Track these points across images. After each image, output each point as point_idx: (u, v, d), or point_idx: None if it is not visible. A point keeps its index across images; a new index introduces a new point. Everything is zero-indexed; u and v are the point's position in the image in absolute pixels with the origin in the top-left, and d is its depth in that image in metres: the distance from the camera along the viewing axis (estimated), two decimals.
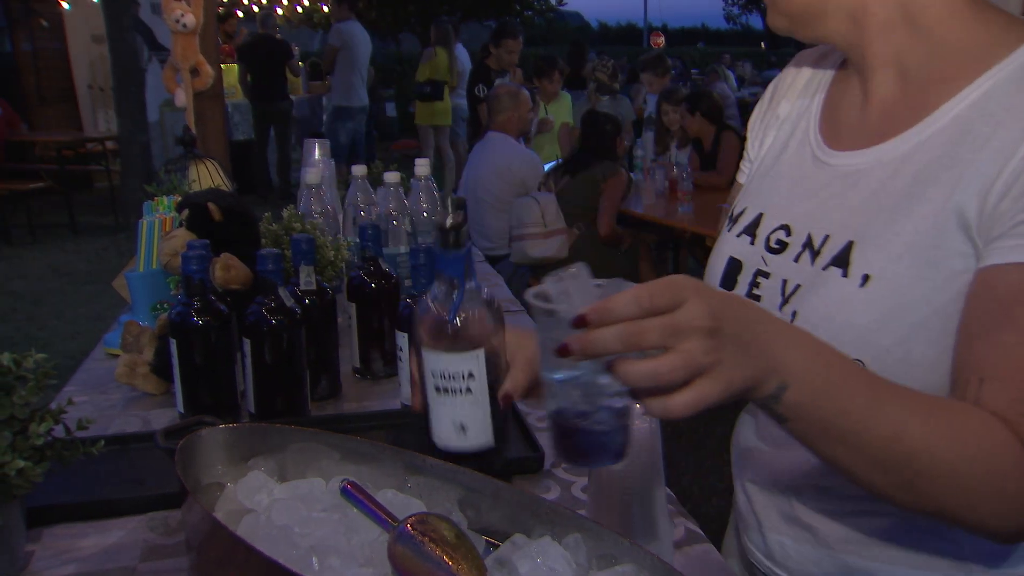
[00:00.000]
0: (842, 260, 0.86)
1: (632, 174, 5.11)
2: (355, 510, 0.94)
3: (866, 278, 0.83)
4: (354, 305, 1.65)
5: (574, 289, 0.72)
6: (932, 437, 0.73)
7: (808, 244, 0.91)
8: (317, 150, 2.25)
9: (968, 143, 0.80)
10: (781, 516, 1.02)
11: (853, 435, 0.72)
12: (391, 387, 1.60)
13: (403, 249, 1.88)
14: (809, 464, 0.94)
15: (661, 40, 18.00)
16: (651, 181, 4.93)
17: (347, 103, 8.56)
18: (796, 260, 0.91)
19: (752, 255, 0.97)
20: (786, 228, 0.94)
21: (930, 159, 0.82)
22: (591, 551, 0.87)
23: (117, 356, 1.68)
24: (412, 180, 2.05)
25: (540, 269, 4.35)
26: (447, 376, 0.97)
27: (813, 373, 0.70)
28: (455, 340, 0.95)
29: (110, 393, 1.63)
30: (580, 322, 0.66)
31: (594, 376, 0.71)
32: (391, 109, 14.28)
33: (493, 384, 0.97)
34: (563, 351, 0.67)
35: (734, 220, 1.02)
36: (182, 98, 2.81)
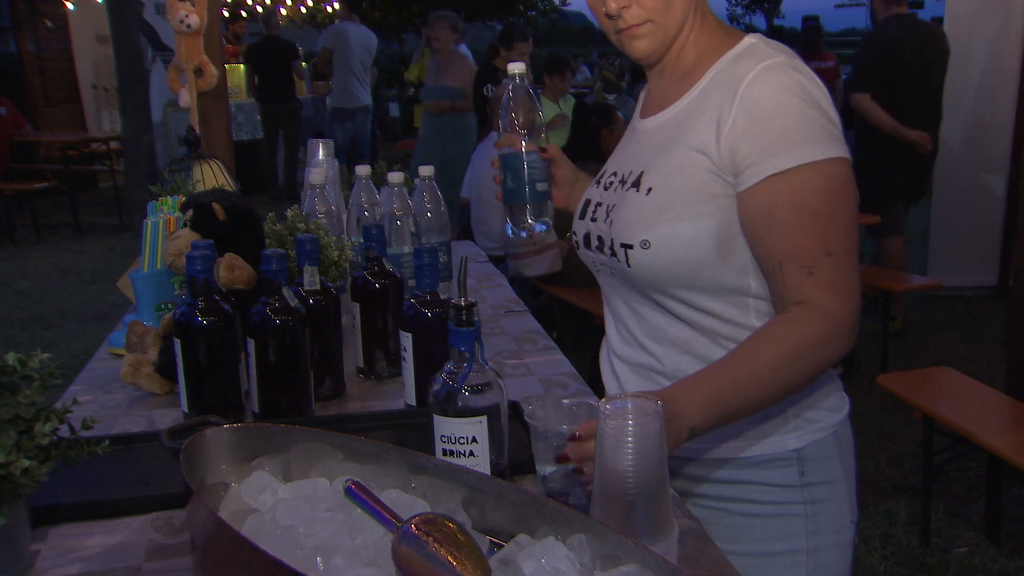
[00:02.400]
0: (636, 183, 1.28)
1: None
2: (359, 510, 0.94)
3: (650, 189, 1.25)
4: (358, 305, 1.65)
5: (551, 410, 1.13)
6: (773, 354, 1.14)
7: (622, 179, 1.33)
8: (321, 150, 2.25)
9: (704, 103, 1.23)
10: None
11: (743, 411, 1.16)
12: (395, 387, 1.60)
13: (407, 249, 1.88)
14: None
15: None
16: None
17: (344, 104, 8.54)
18: (615, 191, 1.33)
19: (595, 194, 1.39)
20: (614, 173, 1.37)
21: (686, 116, 1.26)
22: (595, 551, 0.87)
23: (122, 356, 1.69)
24: (416, 180, 2.05)
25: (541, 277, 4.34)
26: (453, 440, 1.08)
27: (707, 412, 1.11)
28: (461, 407, 1.08)
29: (115, 393, 1.63)
30: (562, 456, 1.05)
31: (569, 470, 1.07)
32: (395, 109, 14.26)
33: (496, 448, 1.11)
34: (562, 459, 1.04)
35: (595, 180, 1.43)
36: (186, 98, 2.80)
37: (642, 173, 1.27)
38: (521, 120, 1.38)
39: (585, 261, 1.41)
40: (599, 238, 1.33)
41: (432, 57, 6.73)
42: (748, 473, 1.30)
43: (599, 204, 1.35)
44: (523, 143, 1.37)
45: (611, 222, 1.29)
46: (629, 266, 1.25)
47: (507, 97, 1.39)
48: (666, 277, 1.24)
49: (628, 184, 1.29)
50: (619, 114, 4.70)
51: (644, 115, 1.39)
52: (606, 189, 1.36)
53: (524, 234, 1.40)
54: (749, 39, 1.27)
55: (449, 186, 5.13)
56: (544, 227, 1.40)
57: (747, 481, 1.30)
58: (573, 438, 1.04)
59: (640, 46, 1.28)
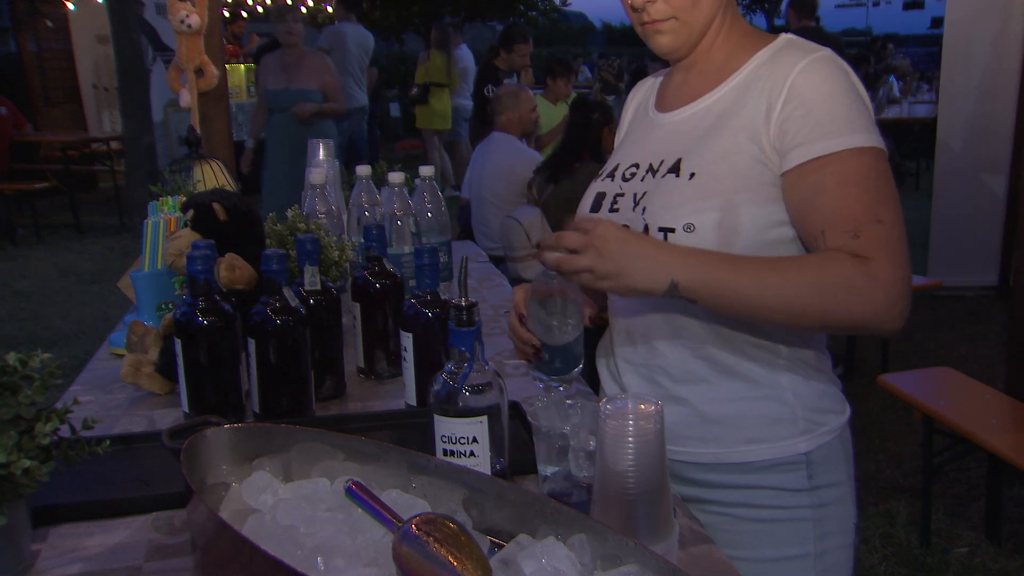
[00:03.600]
0: (674, 169, 1.27)
1: None
2: (359, 510, 0.94)
3: (692, 175, 1.24)
4: (358, 305, 1.65)
5: (553, 409, 1.12)
6: (788, 271, 1.13)
7: (650, 168, 1.31)
8: (322, 150, 2.25)
9: (746, 94, 1.25)
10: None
11: (738, 293, 1.12)
12: (395, 387, 1.60)
13: (407, 249, 1.88)
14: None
15: None
16: None
17: (345, 105, 8.54)
18: (642, 180, 1.31)
19: (611, 187, 1.36)
20: (635, 165, 1.35)
21: (725, 105, 1.27)
22: (596, 551, 0.87)
23: (122, 356, 1.69)
24: (416, 180, 2.05)
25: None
26: (453, 440, 1.08)
27: (693, 265, 1.12)
28: (462, 407, 1.08)
29: (115, 393, 1.63)
30: (538, 248, 1.16)
31: (573, 469, 1.08)
32: (395, 109, 14.26)
33: (496, 448, 1.11)
34: (539, 256, 1.17)
35: (599, 176, 1.41)
36: (186, 98, 2.81)
37: (679, 160, 1.26)
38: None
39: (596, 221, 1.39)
40: (623, 227, 1.28)
41: (288, 54, 5.53)
42: (757, 478, 1.29)
43: (620, 195, 1.33)
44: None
45: (644, 209, 1.27)
46: None
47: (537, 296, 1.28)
48: None
49: (663, 171, 1.28)
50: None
51: (665, 108, 1.38)
52: (627, 180, 1.34)
53: (560, 388, 1.28)
54: (785, 36, 1.30)
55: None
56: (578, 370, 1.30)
57: (756, 486, 1.29)
58: (539, 248, 1.14)
59: (663, 41, 1.30)
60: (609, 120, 4.50)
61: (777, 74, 1.22)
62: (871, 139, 1.17)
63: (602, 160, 4.59)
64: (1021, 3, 5.31)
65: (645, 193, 1.29)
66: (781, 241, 1.23)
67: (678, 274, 1.11)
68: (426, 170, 2.04)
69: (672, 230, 1.22)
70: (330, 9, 12.62)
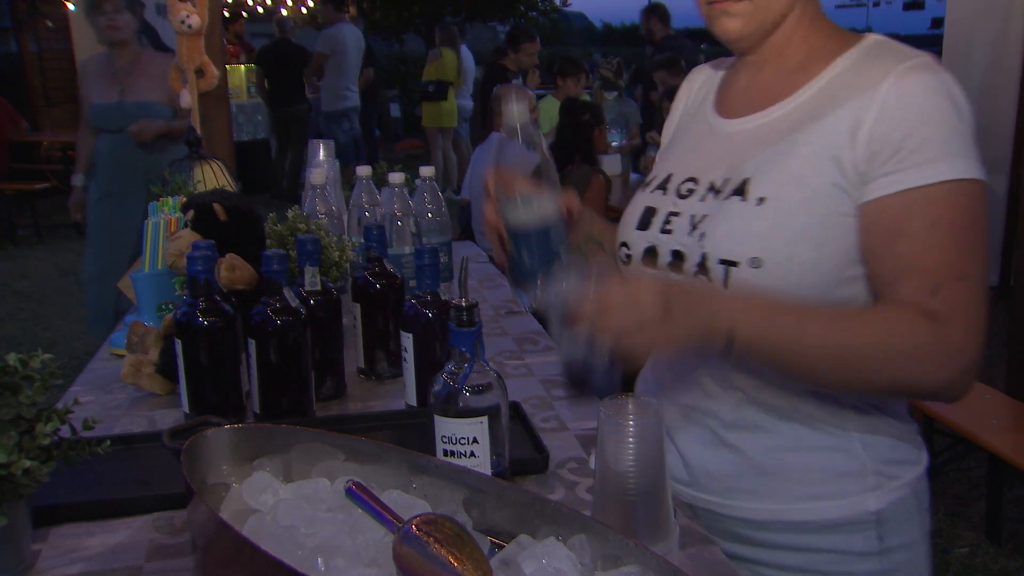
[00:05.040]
0: (740, 191, 1.10)
1: (639, 175, 5.06)
2: (360, 510, 0.94)
3: (761, 200, 1.08)
4: (359, 306, 1.65)
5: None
6: (855, 330, 0.99)
7: (711, 187, 1.15)
8: (322, 151, 2.25)
9: (828, 104, 1.09)
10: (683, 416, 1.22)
11: (799, 349, 0.99)
12: (396, 387, 1.60)
13: (408, 250, 1.88)
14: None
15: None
16: None
17: (340, 106, 8.55)
18: (702, 200, 1.15)
19: (664, 202, 1.20)
20: (692, 179, 1.18)
21: (802, 117, 1.10)
22: (596, 552, 0.87)
23: (123, 356, 1.69)
24: (416, 180, 2.05)
25: None
26: (454, 440, 1.08)
27: (752, 317, 0.96)
28: (462, 407, 1.07)
29: (116, 393, 1.63)
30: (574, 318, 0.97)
31: (587, 341, 0.97)
32: (395, 110, 14.26)
33: (497, 448, 1.10)
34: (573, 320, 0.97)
35: (647, 184, 1.26)
36: (187, 99, 2.81)
37: (746, 180, 1.10)
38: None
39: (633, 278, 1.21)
40: (676, 253, 1.14)
41: (117, 56, 3.97)
42: (818, 539, 1.14)
43: (674, 214, 1.17)
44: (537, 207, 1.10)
45: (702, 235, 1.11)
46: (726, 287, 1.08)
47: (499, 148, 1.15)
48: None
49: (727, 192, 1.12)
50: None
51: (728, 113, 1.21)
52: (683, 197, 1.17)
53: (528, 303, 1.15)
54: (874, 37, 1.14)
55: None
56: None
57: (817, 548, 1.15)
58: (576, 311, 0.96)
59: (731, 25, 1.13)
60: (600, 121, 4.44)
61: (866, 84, 1.06)
62: (970, 168, 1.02)
63: (593, 162, 4.58)
64: (1021, 4, 5.31)
65: (705, 216, 1.13)
66: (854, 278, 1.08)
67: (738, 321, 0.96)
68: (426, 170, 2.05)
69: (735, 263, 1.07)
70: (307, 7, 12.58)
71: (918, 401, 2.94)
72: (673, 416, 1.21)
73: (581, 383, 1.01)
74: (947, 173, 1.01)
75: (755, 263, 1.06)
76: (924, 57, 1.06)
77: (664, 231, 1.17)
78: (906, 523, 1.16)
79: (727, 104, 1.23)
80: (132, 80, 3.90)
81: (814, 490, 1.13)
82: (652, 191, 1.23)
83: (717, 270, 1.08)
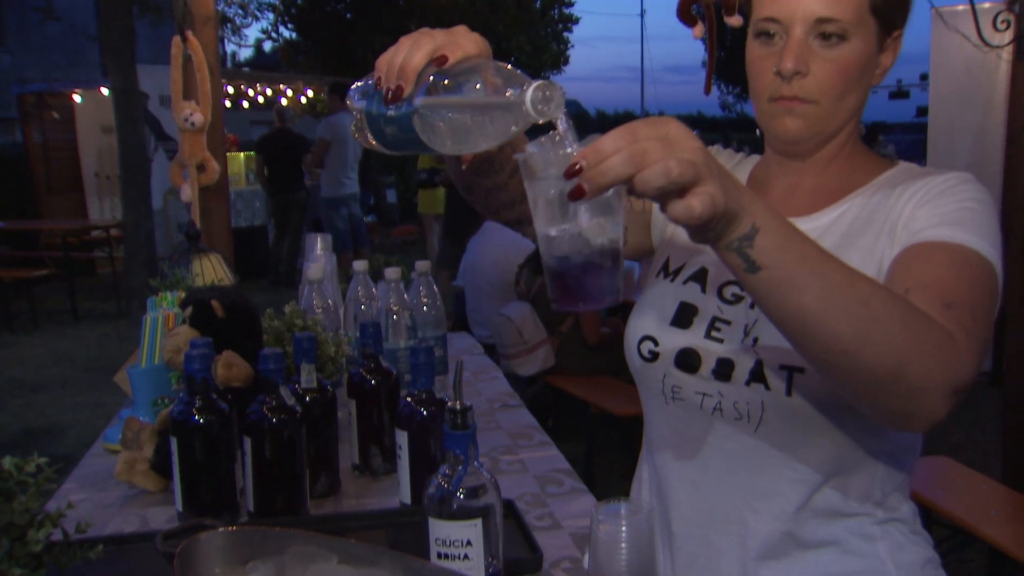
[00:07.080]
0: None
1: (632, 263, 5.09)
2: None
3: None
4: (354, 402, 1.66)
5: (551, 152, 0.81)
6: (883, 290, 0.87)
7: None
8: (319, 244, 2.29)
9: (873, 219, 1.10)
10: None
11: (817, 278, 0.81)
12: (390, 484, 1.60)
13: (403, 344, 1.90)
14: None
15: None
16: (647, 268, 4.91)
17: (340, 192, 8.69)
18: (751, 307, 1.11)
19: (706, 303, 1.15)
20: (734, 282, 1.12)
21: (850, 224, 1.11)
22: None
23: (117, 452, 1.69)
24: (412, 274, 2.09)
25: None
26: (448, 543, 1.08)
27: (776, 221, 0.80)
28: (456, 509, 1.08)
29: (108, 491, 1.63)
30: (572, 170, 0.72)
31: (584, 226, 0.80)
32: (392, 196, 14.47)
33: (490, 550, 1.10)
34: (575, 194, 0.72)
35: (670, 271, 1.21)
36: (188, 193, 2.87)
37: None
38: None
39: (651, 383, 1.18)
40: (724, 362, 1.10)
41: None
42: None
43: (723, 321, 1.12)
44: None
45: (755, 340, 1.09)
46: (789, 394, 1.04)
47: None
48: (836, 411, 1.05)
49: None
50: None
51: None
52: (729, 303, 1.13)
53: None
54: (904, 164, 1.17)
55: None
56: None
57: None
58: (572, 170, 0.72)
59: (793, 125, 1.10)
60: None
61: (908, 194, 1.08)
62: (994, 256, 1.01)
63: None
64: (1001, 96, 5.47)
65: (756, 321, 1.09)
66: None
67: (761, 220, 0.78)
68: (422, 265, 2.08)
69: (801, 370, 1.03)
70: (307, 97, 12.80)
71: (915, 492, 2.92)
72: (682, 559, 1.18)
73: (578, 284, 0.83)
74: (977, 245, 0.99)
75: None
76: (966, 174, 1.09)
77: (712, 337, 1.12)
78: None
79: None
80: None
81: None
82: (684, 282, 1.18)
83: (778, 376, 1.04)
